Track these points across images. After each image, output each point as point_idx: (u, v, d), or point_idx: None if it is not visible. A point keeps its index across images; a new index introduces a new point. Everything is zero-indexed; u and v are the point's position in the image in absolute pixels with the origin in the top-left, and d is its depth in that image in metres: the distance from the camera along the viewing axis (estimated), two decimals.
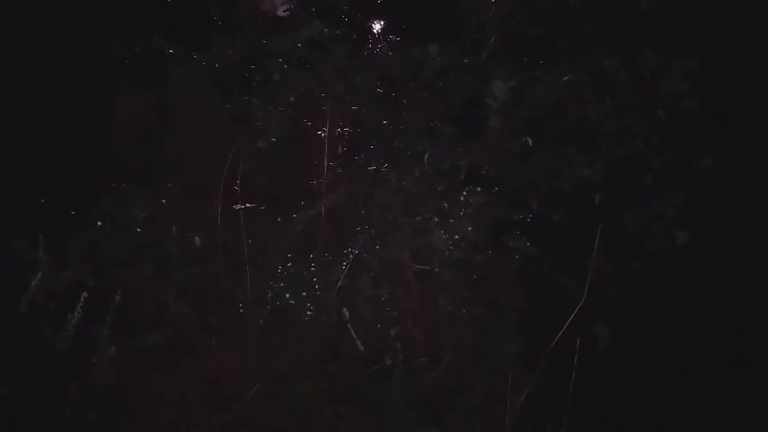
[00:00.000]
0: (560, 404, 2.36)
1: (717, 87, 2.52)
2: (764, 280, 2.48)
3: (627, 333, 2.50)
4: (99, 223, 2.43)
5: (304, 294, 2.60)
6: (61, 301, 2.17)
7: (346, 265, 2.65)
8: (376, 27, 3.04)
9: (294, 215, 2.69)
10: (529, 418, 2.37)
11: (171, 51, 2.63)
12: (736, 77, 2.57)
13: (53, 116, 2.70)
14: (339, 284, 2.62)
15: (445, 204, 2.68)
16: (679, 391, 2.46)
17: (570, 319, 2.40)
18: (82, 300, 2.08)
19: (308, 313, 2.58)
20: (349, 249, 2.69)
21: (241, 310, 2.59)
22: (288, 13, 2.98)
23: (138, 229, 2.47)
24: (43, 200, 2.53)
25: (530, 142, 2.50)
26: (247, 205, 2.68)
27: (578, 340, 2.39)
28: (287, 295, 2.60)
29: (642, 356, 2.48)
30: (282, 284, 2.63)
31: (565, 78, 2.48)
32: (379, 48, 3.04)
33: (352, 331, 2.55)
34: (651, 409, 2.43)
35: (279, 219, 2.70)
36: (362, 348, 2.52)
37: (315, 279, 2.64)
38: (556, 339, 2.39)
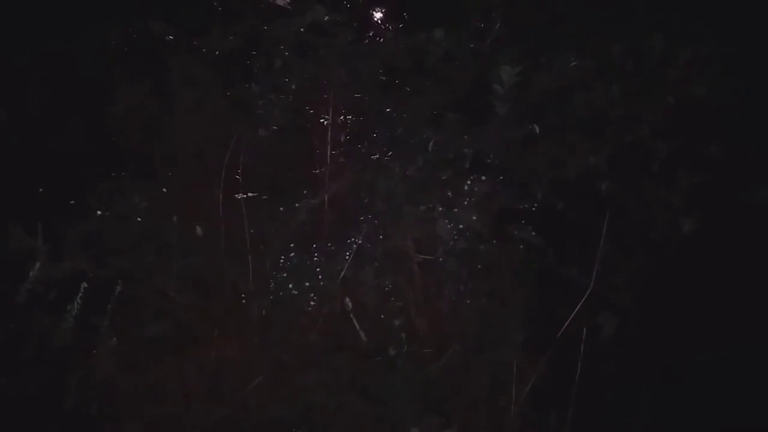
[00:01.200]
0: (565, 394, 2.34)
1: (725, 74, 2.48)
2: None
3: (633, 322, 2.49)
4: (98, 213, 2.40)
5: (307, 284, 2.58)
6: (60, 292, 2.14)
7: (349, 255, 2.62)
8: (379, 13, 2.99)
9: (296, 204, 2.66)
10: (534, 408, 2.36)
11: (170, 37, 2.59)
12: (744, 64, 2.54)
13: (51, 104, 2.66)
14: (342, 274, 2.59)
15: (449, 193, 2.65)
16: (685, 381, 2.45)
17: (576, 309, 2.38)
18: (81, 290, 2.05)
19: (311, 303, 2.56)
20: (353, 239, 2.66)
21: (243, 301, 2.56)
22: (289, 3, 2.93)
23: (138, 219, 2.44)
24: (41, 189, 2.50)
25: (537, 129, 2.46)
26: (249, 194, 2.65)
27: (584, 330, 2.37)
28: (290, 285, 2.57)
29: (648, 346, 2.47)
30: (284, 274, 2.60)
31: (572, 64, 2.45)
32: (382, 34, 3.00)
33: (355, 322, 2.53)
34: (657, 400, 2.42)
35: (281, 208, 2.67)
36: (365, 338, 2.50)
37: (318, 269, 2.62)
38: (562, 329, 2.37)
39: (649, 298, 2.53)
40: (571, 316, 2.37)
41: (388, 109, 2.75)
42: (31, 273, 2.09)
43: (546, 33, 2.62)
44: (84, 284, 2.09)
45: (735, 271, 2.48)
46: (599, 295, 2.44)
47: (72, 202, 2.48)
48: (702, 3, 2.60)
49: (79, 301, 2.08)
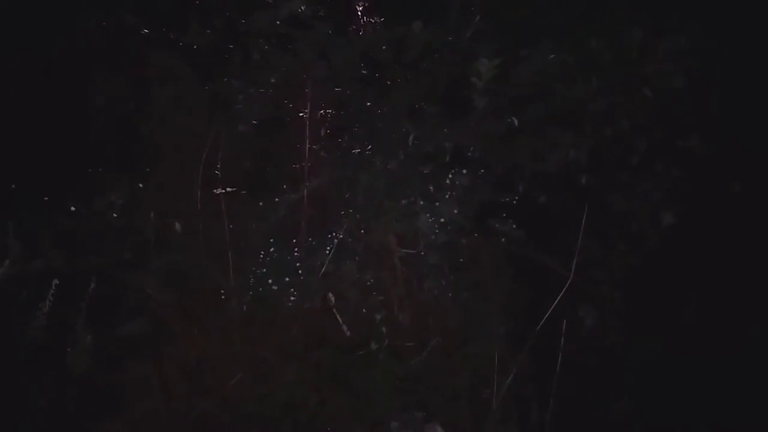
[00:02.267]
0: (547, 386, 2.35)
1: (703, 67, 2.50)
2: (750, 260, 2.48)
3: (613, 314, 2.50)
4: (73, 209, 2.36)
5: (287, 279, 2.56)
6: (32, 290, 2.11)
7: (330, 250, 2.61)
8: (359, 5, 2.97)
9: (276, 199, 2.64)
10: (515, 400, 2.37)
11: (146, 31, 2.56)
12: (722, 57, 2.56)
13: (25, 99, 2.60)
14: (323, 269, 2.58)
15: (430, 187, 2.65)
16: (666, 373, 2.47)
17: (556, 301, 2.38)
18: (53, 288, 2.02)
19: (292, 298, 2.54)
20: (333, 233, 2.65)
21: (223, 297, 2.54)
22: None
23: (114, 215, 2.41)
24: (13, 185, 2.45)
25: (516, 122, 2.47)
26: (228, 189, 2.63)
27: (564, 322, 2.38)
28: (270, 281, 2.56)
29: (628, 338, 2.48)
30: (265, 270, 2.59)
31: (551, 57, 2.45)
32: (361, 27, 2.98)
33: (338, 317, 2.52)
34: (637, 391, 2.44)
35: (261, 203, 2.65)
36: (348, 333, 2.50)
37: (298, 264, 2.60)
38: (542, 321, 2.38)
39: (630, 290, 2.55)
40: (551, 309, 2.37)
41: (368, 103, 2.74)
42: (0, 270, 2.05)
43: (525, 26, 2.62)
44: (55, 281, 2.06)
45: (715, 263, 2.50)
46: (579, 287, 2.45)
47: (46, 198, 2.44)
48: None
49: (51, 299, 2.05)
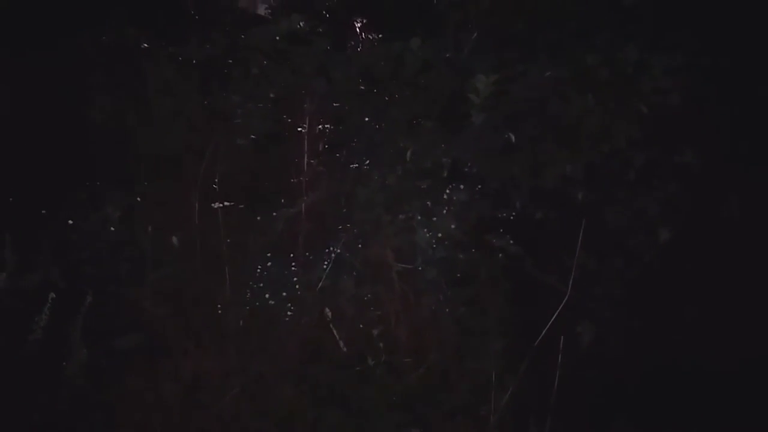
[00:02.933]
0: (544, 403, 2.34)
1: (699, 83, 2.52)
2: (746, 275, 2.48)
3: (611, 330, 2.50)
4: (70, 222, 2.36)
5: (284, 294, 2.56)
6: (29, 303, 2.10)
7: (327, 265, 2.60)
8: (357, 22, 3.00)
9: (274, 214, 2.64)
10: (513, 417, 2.35)
11: (145, 45, 2.58)
12: (718, 73, 2.58)
13: (24, 112, 2.62)
14: (320, 284, 2.57)
15: (428, 202, 2.65)
16: (663, 388, 2.46)
17: (554, 317, 2.38)
18: (49, 301, 2.02)
19: (288, 313, 2.53)
20: (331, 248, 2.65)
21: (220, 311, 2.54)
22: (269, 10, 2.93)
23: (112, 229, 2.41)
24: (11, 199, 2.45)
25: (513, 138, 2.48)
26: (226, 203, 2.64)
27: (562, 338, 2.37)
28: (267, 296, 2.55)
29: (626, 353, 2.48)
30: (262, 284, 2.58)
31: (548, 73, 2.47)
32: (360, 43, 3.01)
33: (335, 332, 2.51)
34: (635, 407, 2.42)
35: (258, 218, 2.66)
36: (345, 348, 2.48)
37: (296, 279, 2.60)
38: (540, 337, 2.37)
39: (627, 306, 2.54)
40: (549, 324, 2.37)
41: (366, 119, 2.75)
42: None
43: (522, 43, 2.65)
44: (52, 295, 2.05)
45: (712, 278, 2.50)
46: (577, 303, 2.44)
47: (43, 211, 2.44)
48: (675, 13, 2.64)
49: (47, 312, 2.04)
